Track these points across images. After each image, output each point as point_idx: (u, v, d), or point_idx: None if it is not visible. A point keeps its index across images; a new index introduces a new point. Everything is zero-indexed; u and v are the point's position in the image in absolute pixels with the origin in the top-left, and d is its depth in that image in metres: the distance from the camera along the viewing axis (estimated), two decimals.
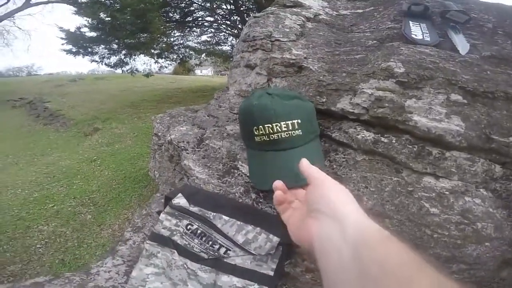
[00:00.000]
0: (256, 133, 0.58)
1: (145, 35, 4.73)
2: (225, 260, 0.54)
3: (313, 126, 0.62)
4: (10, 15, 9.98)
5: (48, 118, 7.45)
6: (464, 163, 0.57)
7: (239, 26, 6.84)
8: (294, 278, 0.56)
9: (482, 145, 0.56)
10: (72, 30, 5.42)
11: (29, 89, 10.40)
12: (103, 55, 5.76)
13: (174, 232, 0.57)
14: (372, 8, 1.27)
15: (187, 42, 7.26)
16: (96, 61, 5.88)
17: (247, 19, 6.72)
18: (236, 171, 0.71)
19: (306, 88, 0.80)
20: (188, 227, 0.56)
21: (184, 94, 7.93)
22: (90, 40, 5.30)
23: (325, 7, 1.34)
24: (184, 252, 0.55)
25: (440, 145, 0.58)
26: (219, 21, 7.15)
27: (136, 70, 6.19)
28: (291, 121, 0.56)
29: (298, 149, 0.56)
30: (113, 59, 5.86)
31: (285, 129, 0.56)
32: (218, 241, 0.55)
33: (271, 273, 0.52)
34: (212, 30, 7.20)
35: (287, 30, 1.05)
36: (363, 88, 0.67)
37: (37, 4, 9.34)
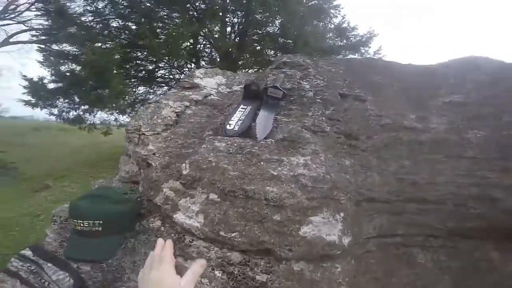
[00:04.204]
0: (72, 221, 0.85)
1: (106, 91, 4.93)
2: None
3: (117, 226, 0.85)
4: None
5: None
6: (203, 250, 0.72)
7: None
8: None
9: (215, 237, 0.70)
10: (36, 79, 5.42)
11: None
12: (63, 109, 5.79)
13: (20, 269, 0.89)
14: None
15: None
16: (55, 115, 5.86)
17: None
18: None
19: (147, 182, 0.98)
20: (28, 267, 0.90)
21: None
22: (51, 92, 5.35)
23: (221, 84, 1.48)
24: (25, 282, 0.86)
25: (190, 234, 0.75)
26: None
27: (94, 127, 6.23)
28: (93, 221, 0.80)
29: (95, 239, 0.81)
30: (72, 114, 5.90)
31: (87, 225, 0.80)
32: (44, 277, 0.88)
33: None
34: None
35: (159, 121, 1.18)
36: (164, 187, 0.84)
37: (16, 43, 9.34)
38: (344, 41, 6.17)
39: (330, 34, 6.09)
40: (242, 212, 0.71)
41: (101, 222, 0.80)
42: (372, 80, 1.19)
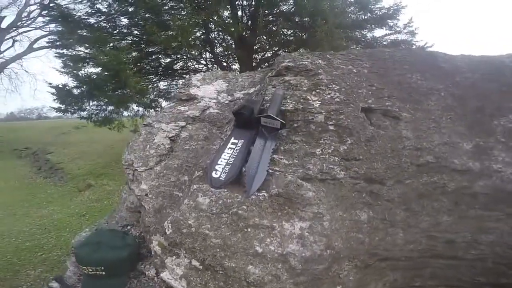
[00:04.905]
0: (79, 265, 0.93)
1: (127, 91, 5.00)
2: None
3: (119, 269, 0.90)
4: (16, 58, 10.49)
5: (49, 171, 7.83)
6: None
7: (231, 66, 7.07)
8: None
9: None
10: (60, 85, 5.60)
11: (34, 137, 10.98)
12: (92, 112, 6.05)
13: None
14: (253, 89, 1.23)
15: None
16: (85, 118, 6.16)
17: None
18: None
19: (142, 225, 0.95)
20: None
21: None
22: (77, 97, 5.56)
23: (221, 91, 1.32)
24: None
25: None
26: (208, 66, 7.43)
27: (123, 126, 6.44)
28: (96, 267, 0.87)
29: (100, 280, 0.88)
30: (101, 115, 6.13)
31: (92, 270, 0.87)
32: None
33: None
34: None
35: (152, 152, 1.08)
36: (153, 240, 0.79)
37: (40, 48, 9.82)
38: (368, 14, 5.41)
39: (352, 8, 5.37)
40: (222, 286, 0.62)
41: (103, 268, 0.87)
42: (409, 83, 0.90)
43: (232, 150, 0.78)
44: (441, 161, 0.75)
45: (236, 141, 0.80)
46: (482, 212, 0.75)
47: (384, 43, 5.81)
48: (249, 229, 0.65)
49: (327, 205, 0.68)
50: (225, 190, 0.72)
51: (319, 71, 0.92)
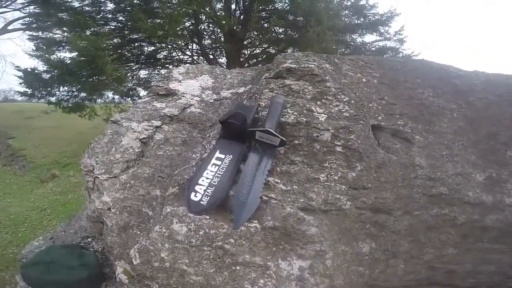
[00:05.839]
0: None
1: (103, 78, 4.63)
2: None
3: None
4: None
5: (9, 158, 7.12)
6: None
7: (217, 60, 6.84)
8: None
9: None
10: (29, 69, 5.18)
11: None
12: (62, 98, 5.58)
13: None
14: (243, 88, 1.10)
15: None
16: (53, 103, 5.66)
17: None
18: None
19: (105, 244, 0.80)
20: None
21: None
22: (47, 82, 5.11)
23: (206, 88, 1.15)
24: None
25: None
26: (193, 57, 7.14)
27: (95, 114, 6.01)
28: None
29: None
30: (71, 101, 5.67)
31: None
32: None
33: None
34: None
35: (118, 156, 0.91)
36: (117, 265, 0.68)
37: (15, 30, 9.17)
38: (361, 19, 5.48)
39: (346, 12, 5.41)
40: None
41: None
42: (420, 98, 0.81)
43: (217, 167, 0.63)
44: (454, 193, 0.68)
45: (222, 156, 0.65)
46: (489, 245, 0.72)
47: (373, 49, 5.92)
48: (237, 267, 0.54)
49: (330, 240, 0.57)
50: (207, 217, 0.58)
51: (327, 77, 0.79)
